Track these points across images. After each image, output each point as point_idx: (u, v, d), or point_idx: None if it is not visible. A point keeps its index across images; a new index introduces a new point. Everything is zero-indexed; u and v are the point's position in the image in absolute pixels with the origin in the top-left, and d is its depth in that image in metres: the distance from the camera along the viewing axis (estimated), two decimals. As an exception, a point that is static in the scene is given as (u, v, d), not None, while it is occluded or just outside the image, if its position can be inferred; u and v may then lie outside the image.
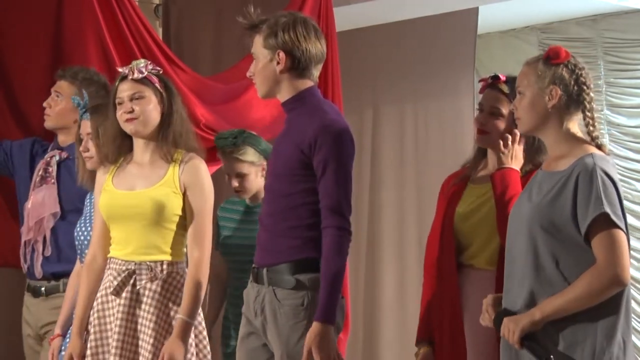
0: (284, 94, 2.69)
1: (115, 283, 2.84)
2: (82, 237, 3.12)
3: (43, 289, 3.33)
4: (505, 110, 2.87)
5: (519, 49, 5.17)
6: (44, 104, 3.41)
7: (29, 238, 3.32)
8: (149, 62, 2.97)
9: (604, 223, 2.29)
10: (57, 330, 3.10)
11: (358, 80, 4.77)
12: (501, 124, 2.88)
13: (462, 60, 4.30)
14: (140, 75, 2.89)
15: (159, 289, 2.85)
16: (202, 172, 2.92)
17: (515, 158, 2.86)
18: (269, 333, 2.64)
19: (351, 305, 4.34)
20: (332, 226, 2.59)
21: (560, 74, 2.43)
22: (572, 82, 2.43)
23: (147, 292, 2.84)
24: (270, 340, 2.65)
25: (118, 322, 2.82)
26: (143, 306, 2.84)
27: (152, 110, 2.89)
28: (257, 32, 2.68)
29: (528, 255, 2.38)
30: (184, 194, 2.88)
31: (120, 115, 2.88)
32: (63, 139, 3.43)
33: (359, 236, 4.77)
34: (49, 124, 3.44)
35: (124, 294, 2.84)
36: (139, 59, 3.88)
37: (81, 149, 3.13)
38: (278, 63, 2.65)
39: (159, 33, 4.49)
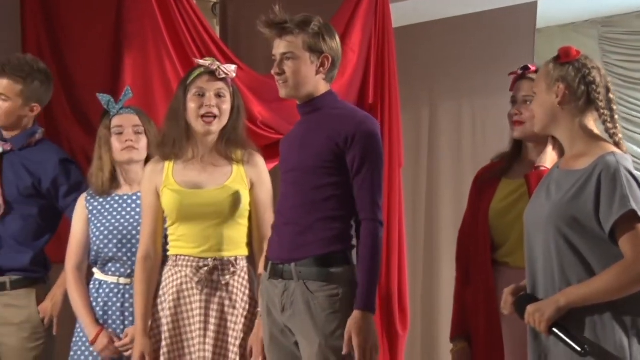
0: (310, 95, 2.73)
1: (196, 279, 2.86)
2: (99, 242, 3.08)
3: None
4: None
5: (579, 43, 5.07)
6: None
7: None
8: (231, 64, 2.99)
9: (632, 220, 2.29)
10: (92, 327, 3.05)
11: (415, 77, 4.75)
12: None
13: (521, 55, 4.25)
14: (228, 75, 2.93)
15: (244, 283, 2.90)
16: (264, 168, 3.01)
17: (553, 160, 2.81)
18: (300, 326, 2.64)
19: (410, 302, 4.32)
20: (371, 219, 2.64)
21: (566, 72, 2.43)
22: (578, 80, 2.42)
23: (230, 288, 2.88)
24: (301, 333, 2.65)
25: (203, 319, 2.85)
26: (229, 302, 2.87)
27: (228, 109, 2.93)
28: (288, 32, 2.71)
29: (551, 253, 2.38)
30: (250, 190, 2.94)
31: (201, 109, 2.87)
32: (8, 132, 3.31)
33: (416, 232, 4.78)
34: None
35: (205, 290, 2.87)
36: (197, 57, 3.96)
37: (126, 140, 3.06)
38: (322, 65, 2.71)
39: (217, 31, 4.55)
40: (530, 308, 2.39)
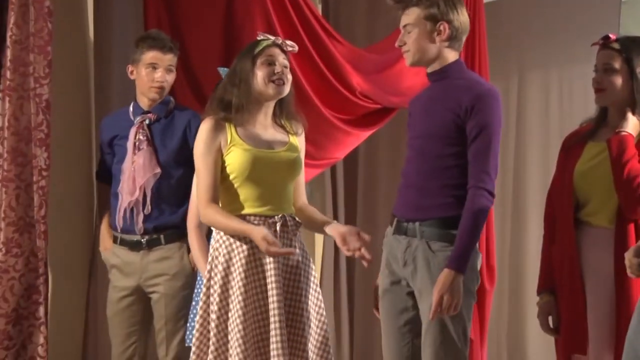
0: (436, 64, 2.82)
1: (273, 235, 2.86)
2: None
3: (144, 242, 3.45)
4: (618, 66, 2.92)
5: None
6: (161, 79, 3.47)
7: (134, 198, 3.41)
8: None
9: None
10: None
11: (503, 47, 4.78)
12: (617, 80, 2.93)
13: (606, 25, 4.22)
14: (292, 49, 3.03)
15: (300, 239, 3.00)
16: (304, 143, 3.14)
17: (634, 125, 2.91)
18: (419, 281, 2.78)
19: (497, 259, 4.46)
20: (483, 188, 2.72)
21: None
22: None
23: (294, 243, 2.95)
24: (419, 288, 2.79)
25: (274, 272, 2.88)
26: (301, 258, 2.96)
27: (291, 79, 3.02)
28: (408, 5, 2.80)
29: None
30: None
31: (271, 75, 2.94)
32: (147, 103, 3.51)
33: (504, 194, 4.84)
34: (158, 96, 3.50)
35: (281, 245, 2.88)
36: (300, 32, 4.17)
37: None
38: (439, 33, 2.78)
39: (319, 8, 4.74)
40: (628, 254, 2.33)
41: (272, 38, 3.00)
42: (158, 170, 3.43)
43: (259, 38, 3.01)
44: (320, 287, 4.30)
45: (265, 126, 2.99)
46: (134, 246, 3.48)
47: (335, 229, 2.96)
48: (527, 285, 4.66)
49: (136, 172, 3.42)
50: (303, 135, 3.11)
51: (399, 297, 2.85)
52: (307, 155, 3.96)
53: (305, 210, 3.07)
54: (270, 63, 2.95)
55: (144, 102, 3.54)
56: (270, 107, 3.00)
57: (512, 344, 4.87)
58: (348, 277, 4.86)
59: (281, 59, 2.97)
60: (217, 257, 2.94)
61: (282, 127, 3.03)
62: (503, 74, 4.84)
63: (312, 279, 3.01)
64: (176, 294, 3.44)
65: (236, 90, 2.93)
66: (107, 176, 3.60)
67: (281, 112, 3.03)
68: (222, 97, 2.96)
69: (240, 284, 2.87)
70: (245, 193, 2.92)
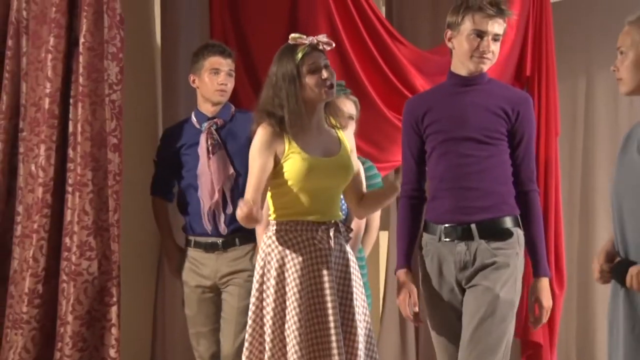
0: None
1: (318, 243, 2.96)
2: None
3: (220, 243, 3.67)
4: None
5: None
6: (224, 81, 3.66)
7: (214, 201, 3.61)
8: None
9: None
10: None
11: (571, 47, 4.83)
12: None
13: None
14: (329, 47, 3.02)
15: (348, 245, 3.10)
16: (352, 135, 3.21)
17: None
18: (479, 275, 2.91)
19: (566, 262, 4.56)
20: (536, 190, 3.00)
21: None
22: None
23: (344, 248, 3.03)
24: (479, 278, 2.91)
25: (327, 278, 2.95)
26: (348, 262, 3.02)
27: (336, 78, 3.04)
28: (503, 15, 2.93)
29: None
30: None
31: (320, 82, 2.94)
32: (213, 109, 3.70)
33: (572, 197, 4.92)
34: (223, 99, 3.70)
35: (327, 252, 2.97)
36: (363, 34, 4.30)
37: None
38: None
39: (382, 11, 4.87)
40: (633, 269, 2.26)
41: (307, 41, 2.97)
42: (232, 171, 3.64)
43: (291, 42, 2.98)
44: (384, 300, 4.44)
45: (320, 130, 3.05)
46: (210, 248, 3.71)
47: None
48: (596, 289, 4.72)
49: (213, 176, 3.62)
50: (350, 130, 3.19)
51: (449, 306, 2.99)
52: (370, 158, 4.07)
53: (366, 196, 3.13)
54: (316, 70, 2.95)
55: (207, 109, 3.74)
56: (322, 109, 3.06)
57: (581, 349, 4.92)
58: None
59: (322, 60, 2.98)
60: (269, 262, 3.00)
61: (331, 124, 3.09)
62: (571, 74, 4.87)
63: (360, 286, 3.07)
64: (248, 289, 3.59)
65: (285, 105, 2.94)
66: (164, 190, 3.82)
67: (327, 108, 3.08)
68: (272, 112, 2.96)
69: (296, 289, 2.94)
70: (300, 200, 2.98)
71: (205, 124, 3.70)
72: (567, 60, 4.76)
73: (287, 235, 3.00)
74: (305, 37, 2.99)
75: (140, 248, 4.13)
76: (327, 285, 2.97)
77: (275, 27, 4.26)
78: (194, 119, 3.75)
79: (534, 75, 4.58)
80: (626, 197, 2.32)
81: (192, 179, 3.69)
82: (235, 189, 3.65)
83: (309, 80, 2.95)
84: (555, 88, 4.58)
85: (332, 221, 3.02)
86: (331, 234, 2.99)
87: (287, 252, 2.99)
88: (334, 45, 3.06)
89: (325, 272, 2.97)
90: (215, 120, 3.71)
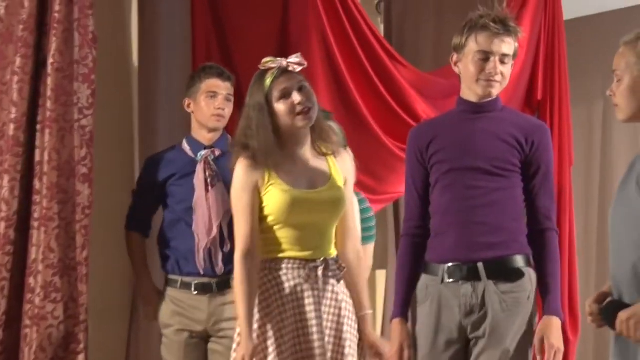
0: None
1: (305, 283, 2.86)
2: None
3: (214, 284, 3.49)
4: None
5: None
6: (222, 106, 3.52)
7: (212, 237, 3.46)
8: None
9: None
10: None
11: (587, 70, 4.85)
12: None
13: None
14: (300, 68, 2.89)
15: (343, 283, 2.94)
16: (352, 163, 3.05)
17: None
18: (491, 325, 2.75)
19: (581, 306, 4.39)
20: (554, 230, 2.85)
21: None
22: None
23: (336, 289, 2.91)
24: (491, 332, 2.75)
25: (315, 322, 2.84)
26: (340, 304, 2.90)
27: (316, 99, 2.91)
28: (511, 33, 2.81)
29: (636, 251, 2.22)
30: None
31: (292, 108, 2.84)
32: (209, 137, 3.56)
33: (588, 232, 4.89)
34: (220, 125, 3.56)
35: (318, 292, 2.87)
36: (360, 54, 4.16)
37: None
38: None
39: (381, 29, 4.78)
40: (622, 314, 2.22)
41: (276, 64, 2.88)
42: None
43: (262, 67, 2.90)
44: (382, 336, 4.26)
45: (305, 159, 2.93)
46: (201, 289, 3.51)
47: (363, 331, 2.94)
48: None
49: (212, 210, 3.47)
50: (346, 157, 3.02)
51: (454, 350, 2.82)
52: (367, 190, 3.95)
53: (349, 269, 2.94)
54: (286, 95, 2.85)
55: (203, 137, 3.59)
56: (307, 135, 2.93)
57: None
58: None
59: (296, 83, 2.87)
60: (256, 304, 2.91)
61: (320, 151, 2.96)
62: (586, 98, 4.87)
63: (354, 329, 2.94)
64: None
65: (256, 136, 2.86)
66: (143, 224, 3.64)
67: (313, 134, 2.95)
68: (246, 144, 2.88)
69: (279, 336, 2.85)
70: (284, 236, 2.89)
71: (202, 153, 3.55)
72: (582, 83, 4.69)
73: (272, 274, 2.90)
74: (275, 59, 2.91)
75: (111, 289, 3.97)
76: (314, 330, 2.85)
77: (263, 49, 4.06)
78: (186, 146, 3.61)
79: (546, 99, 4.50)
80: (619, 231, 2.29)
81: (184, 213, 3.52)
82: (230, 225, 3.45)
83: (280, 106, 2.86)
84: (568, 113, 4.51)
85: (322, 259, 2.89)
86: (319, 273, 2.87)
87: (272, 293, 2.89)
88: (305, 64, 2.93)
89: (311, 315, 2.86)
90: (212, 149, 3.57)
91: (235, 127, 3.63)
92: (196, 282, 3.49)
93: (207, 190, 3.48)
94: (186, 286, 3.51)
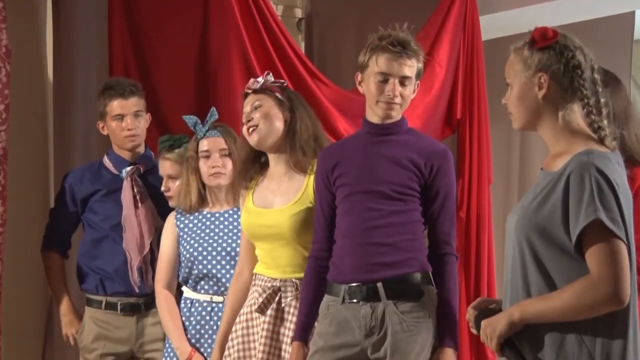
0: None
1: (260, 300, 3.01)
2: (193, 260, 3.34)
3: (142, 303, 3.53)
4: None
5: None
6: (131, 126, 3.56)
7: (143, 255, 3.49)
8: (269, 73, 3.15)
9: (599, 231, 2.08)
10: (185, 347, 3.30)
11: (505, 89, 4.87)
12: None
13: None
14: (258, 85, 3.06)
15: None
16: None
17: None
18: (392, 346, 2.79)
19: None
20: (453, 254, 2.90)
21: (547, 59, 2.22)
22: (562, 67, 2.21)
23: (292, 310, 3.01)
24: (393, 354, 2.80)
25: (263, 340, 2.99)
26: (288, 324, 3.01)
27: (274, 118, 3.05)
28: (411, 56, 2.83)
29: (517, 263, 2.23)
30: None
31: (245, 130, 3.04)
32: (131, 154, 3.63)
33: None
34: (136, 143, 3.61)
35: (268, 312, 3.01)
36: (281, 72, 4.23)
37: (214, 165, 3.32)
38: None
39: (302, 47, 4.83)
40: (483, 323, 2.22)
41: (250, 87, 3.10)
42: (161, 223, 3.51)
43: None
44: None
45: (279, 178, 3.07)
46: (129, 310, 3.52)
47: None
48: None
49: (143, 227, 3.49)
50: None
51: None
52: None
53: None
54: (244, 117, 3.06)
55: (125, 154, 3.63)
56: (279, 155, 3.06)
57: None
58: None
59: (251, 104, 3.11)
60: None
61: (303, 169, 3.05)
62: (504, 117, 4.80)
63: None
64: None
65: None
66: (62, 244, 3.63)
67: (296, 152, 3.05)
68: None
69: (230, 345, 3.10)
70: (258, 252, 3.12)
71: (127, 170, 3.57)
72: (501, 102, 4.75)
73: (252, 288, 3.11)
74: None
75: (24, 311, 3.93)
76: (251, 346, 3.05)
77: (183, 64, 4.20)
78: (108, 162, 3.63)
79: (465, 119, 4.58)
80: (509, 237, 2.30)
81: (110, 230, 3.53)
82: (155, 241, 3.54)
83: (243, 128, 3.08)
84: (487, 132, 4.59)
85: (281, 279, 3.01)
86: (266, 293, 3.00)
87: (243, 307, 3.10)
88: (261, 82, 3.10)
89: (250, 336, 3.06)
90: (137, 165, 3.60)
91: (148, 138, 3.69)
92: (123, 302, 3.51)
93: (136, 207, 3.50)
94: (111, 306, 3.52)
